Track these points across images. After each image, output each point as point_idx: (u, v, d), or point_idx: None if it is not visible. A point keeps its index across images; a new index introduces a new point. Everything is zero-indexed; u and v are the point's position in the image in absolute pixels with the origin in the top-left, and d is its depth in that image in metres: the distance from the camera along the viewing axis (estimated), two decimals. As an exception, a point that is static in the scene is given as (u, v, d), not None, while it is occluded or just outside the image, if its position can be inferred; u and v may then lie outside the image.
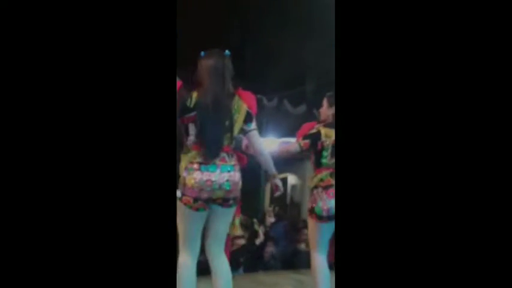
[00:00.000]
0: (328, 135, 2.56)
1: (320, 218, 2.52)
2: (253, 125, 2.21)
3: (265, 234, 5.97)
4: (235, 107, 2.16)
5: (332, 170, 2.52)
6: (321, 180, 2.54)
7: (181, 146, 2.14)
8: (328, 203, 2.49)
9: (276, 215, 7.39)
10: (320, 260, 2.58)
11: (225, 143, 2.12)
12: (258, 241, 5.68)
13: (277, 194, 2.33)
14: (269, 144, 5.12)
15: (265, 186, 9.18)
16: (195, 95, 2.11)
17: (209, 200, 2.10)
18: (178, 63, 1.71)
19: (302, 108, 7.60)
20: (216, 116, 2.10)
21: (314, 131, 2.61)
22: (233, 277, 2.23)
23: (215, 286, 2.17)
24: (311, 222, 2.60)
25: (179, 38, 1.73)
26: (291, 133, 2.99)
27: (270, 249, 5.41)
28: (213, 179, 2.07)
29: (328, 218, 2.50)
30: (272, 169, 2.28)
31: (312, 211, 2.56)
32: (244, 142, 2.29)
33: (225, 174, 2.09)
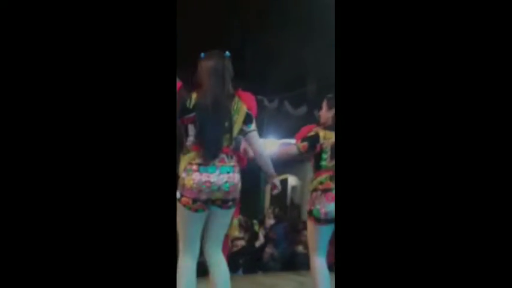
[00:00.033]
0: (327, 138, 2.56)
1: (318, 220, 2.52)
2: (253, 126, 2.20)
3: (265, 236, 5.97)
4: (235, 108, 2.15)
5: (331, 172, 2.52)
6: (321, 183, 2.54)
7: (181, 147, 2.14)
8: (326, 206, 2.48)
9: (276, 216, 7.38)
10: (319, 262, 2.57)
11: (225, 144, 2.12)
12: (257, 243, 5.68)
13: (275, 192, 2.34)
14: (269, 146, 5.12)
15: (265, 188, 9.19)
16: (194, 95, 2.11)
17: (208, 201, 2.10)
18: (178, 64, 1.70)
19: (303, 109, 7.60)
20: (216, 116, 2.09)
21: (312, 133, 2.61)
22: (232, 278, 2.22)
23: (213, 285, 2.17)
24: (310, 225, 2.60)
25: (179, 39, 1.73)
26: (292, 134, 2.99)
27: (270, 250, 5.41)
28: (212, 180, 2.06)
29: (326, 221, 2.50)
30: (271, 170, 2.28)
31: (310, 213, 2.56)
32: (242, 146, 2.28)
33: (224, 176, 2.09)
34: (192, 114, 2.09)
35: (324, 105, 2.68)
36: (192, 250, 2.15)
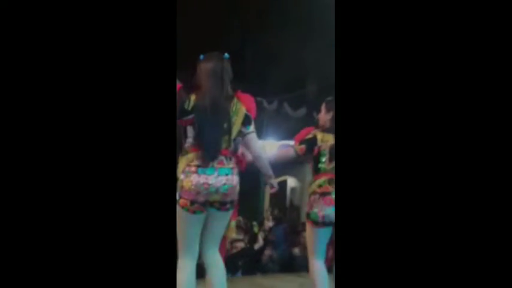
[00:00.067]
0: (325, 140, 2.56)
1: (316, 223, 2.53)
2: (252, 128, 2.20)
3: (265, 238, 5.97)
4: (234, 109, 2.15)
5: (330, 175, 2.51)
6: (319, 186, 2.54)
7: (180, 148, 2.14)
8: (324, 209, 2.49)
9: (275, 218, 7.39)
10: (318, 264, 2.58)
11: (223, 145, 2.11)
12: (257, 245, 5.68)
13: (273, 191, 2.35)
14: (268, 148, 5.12)
15: (265, 189, 9.18)
16: (193, 97, 2.11)
17: (206, 203, 2.10)
18: (178, 65, 1.69)
19: (302, 111, 7.60)
20: (214, 118, 2.09)
21: (310, 136, 2.62)
22: (231, 280, 2.22)
23: (210, 286, 2.17)
24: (308, 227, 2.61)
25: (179, 39, 1.72)
26: (291, 136, 2.98)
27: (269, 252, 5.41)
28: (210, 182, 2.06)
29: (324, 224, 2.51)
30: (269, 171, 2.29)
31: (308, 216, 2.57)
32: (240, 150, 2.28)
33: (223, 178, 2.08)
34: (190, 116, 2.09)
35: (323, 108, 2.69)
36: (191, 251, 2.15)
